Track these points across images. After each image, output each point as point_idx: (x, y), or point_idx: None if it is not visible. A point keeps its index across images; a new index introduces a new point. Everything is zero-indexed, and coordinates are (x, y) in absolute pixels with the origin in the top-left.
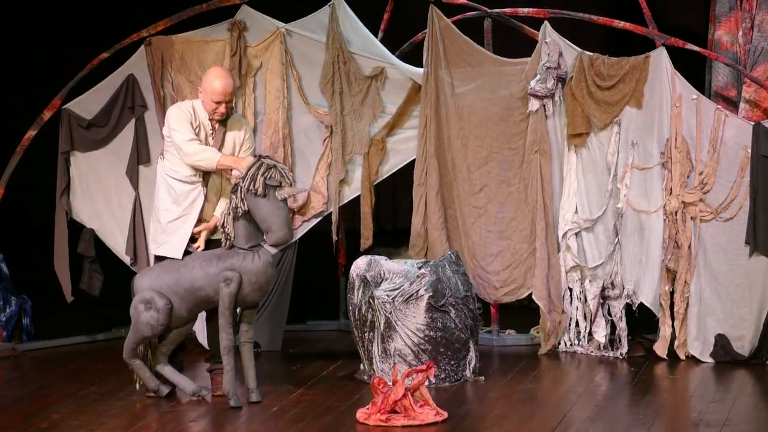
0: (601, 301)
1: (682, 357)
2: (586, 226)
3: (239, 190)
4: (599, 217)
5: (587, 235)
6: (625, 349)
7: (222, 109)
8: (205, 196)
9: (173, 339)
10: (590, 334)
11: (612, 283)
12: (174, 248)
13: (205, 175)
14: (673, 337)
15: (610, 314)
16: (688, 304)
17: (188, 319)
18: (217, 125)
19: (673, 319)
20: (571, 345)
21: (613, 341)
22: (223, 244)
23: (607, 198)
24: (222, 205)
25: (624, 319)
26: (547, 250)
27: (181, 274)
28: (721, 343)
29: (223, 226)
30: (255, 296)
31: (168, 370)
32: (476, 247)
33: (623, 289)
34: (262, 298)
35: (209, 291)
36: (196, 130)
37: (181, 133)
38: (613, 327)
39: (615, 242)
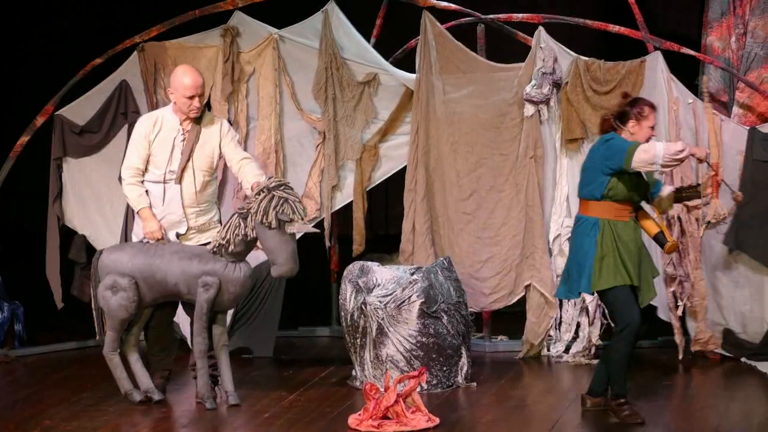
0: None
1: (709, 355)
2: None
3: (250, 218)
4: None
5: None
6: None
7: (196, 103)
8: (181, 194)
9: (139, 321)
10: (586, 338)
11: None
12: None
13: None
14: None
15: (605, 317)
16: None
17: (147, 306)
18: (190, 126)
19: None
20: (557, 353)
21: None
22: (213, 248)
23: None
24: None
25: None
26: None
27: (155, 263)
28: (730, 339)
29: (225, 240)
30: (229, 304)
31: (133, 359)
32: (465, 255)
33: None
34: (235, 305)
35: (183, 288)
36: (155, 138)
37: (128, 159)
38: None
39: None
